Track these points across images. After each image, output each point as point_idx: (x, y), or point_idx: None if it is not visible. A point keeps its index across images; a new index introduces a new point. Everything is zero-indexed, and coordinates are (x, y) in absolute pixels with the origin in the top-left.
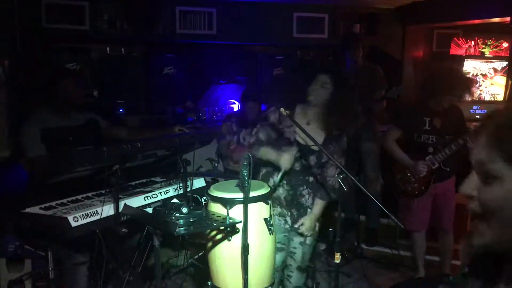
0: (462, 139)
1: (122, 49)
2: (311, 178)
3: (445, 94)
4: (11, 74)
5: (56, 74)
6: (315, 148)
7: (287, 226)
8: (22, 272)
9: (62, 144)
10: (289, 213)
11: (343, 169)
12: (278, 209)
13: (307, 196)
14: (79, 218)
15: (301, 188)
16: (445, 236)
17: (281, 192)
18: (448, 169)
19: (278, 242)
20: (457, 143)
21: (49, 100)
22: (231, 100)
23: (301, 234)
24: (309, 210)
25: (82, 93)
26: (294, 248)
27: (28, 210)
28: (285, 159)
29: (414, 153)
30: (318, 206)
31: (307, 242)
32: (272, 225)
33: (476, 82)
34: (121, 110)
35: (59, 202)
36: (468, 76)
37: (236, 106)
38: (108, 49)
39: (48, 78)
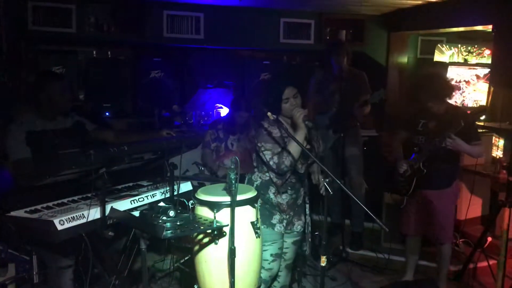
0: (440, 140)
1: (109, 52)
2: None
3: (427, 99)
4: None
5: (42, 78)
6: None
7: (282, 230)
8: (5, 276)
9: (48, 147)
10: (287, 216)
11: (330, 173)
12: (278, 216)
13: (303, 195)
14: (65, 222)
15: (301, 189)
16: (440, 247)
17: (284, 197)
18: (425, 170)
19: (279, 248)
20: (434, 144)
21: (35, 103)
22: (218, 105)
23: (294, 233)
24: (307, 206)
25: (68, 98)
26: (286, 248)
27: (13, 213)
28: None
29: (406, 153)
30: None
31: (297, 238)
32: (259, 228)
33: (459, 88)
34: (107, 114)
35: (44, 205)
36: (448, 81)
37: (223, 111)
38: (94, 52)
39: (34, 81)
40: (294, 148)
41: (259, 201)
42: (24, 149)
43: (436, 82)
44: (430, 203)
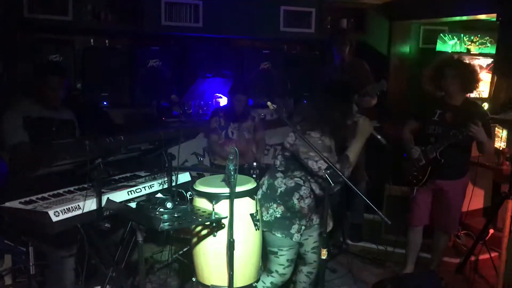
0: (461, 131)
1: (106, 41)
2: None
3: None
4: None
5: (41, 68)
6: None
7: (299, 239)
8: (1, 267)
9: (44, 135)
10: (306, 222)
11: (332, 165)
12: (296, 226)
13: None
14: (60, 213)
15: None
16: (440, 237)
17: (307, 201)
18: (442, 160)
19: (294, 254)
20: (455, 134)
21: (33, 93)
22: (217, 94)
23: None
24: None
25: (65, 91)
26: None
27: (7, 204)
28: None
29: (419, 143)
30: None
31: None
32: (258, 220)
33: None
34: (104, 103)
35: (39, 196)
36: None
37: (222, 100)
38: (92, 40)
39: (33, 71)
40: (354, 152)
41: (281, 209)
42: (21, 134)
43: (474, 73)
44: (444, 193)
